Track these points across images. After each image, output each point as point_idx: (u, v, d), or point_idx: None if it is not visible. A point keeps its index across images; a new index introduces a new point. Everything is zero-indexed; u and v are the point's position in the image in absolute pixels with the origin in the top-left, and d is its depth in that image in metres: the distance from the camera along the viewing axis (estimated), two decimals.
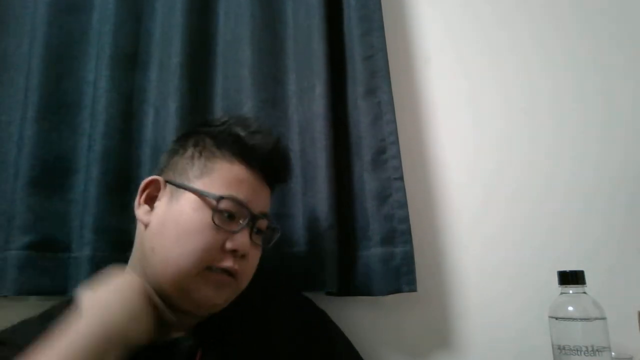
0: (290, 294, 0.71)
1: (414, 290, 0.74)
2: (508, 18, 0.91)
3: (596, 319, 0.60)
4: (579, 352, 0.59)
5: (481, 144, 0.86)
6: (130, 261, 0.63)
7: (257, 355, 0.61)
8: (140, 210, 0.61)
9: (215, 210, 0.57)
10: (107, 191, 0.78)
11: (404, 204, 0.78)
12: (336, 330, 0.72)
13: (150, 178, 0.62)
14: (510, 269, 0.80)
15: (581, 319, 0.60)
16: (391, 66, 0.83)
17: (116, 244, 0.75)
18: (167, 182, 0.61)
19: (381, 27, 0.85)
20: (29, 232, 0.76)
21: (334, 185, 0.79)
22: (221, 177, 0.60)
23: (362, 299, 0.79)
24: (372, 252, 0.78)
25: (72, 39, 0.87)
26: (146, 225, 0.60)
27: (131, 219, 0.64)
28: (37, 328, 0.58)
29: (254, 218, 0.60)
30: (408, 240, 0.76)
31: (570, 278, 0.64)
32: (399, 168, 0.79)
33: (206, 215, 0.57)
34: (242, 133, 0.63)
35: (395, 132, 0.80)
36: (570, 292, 0.64)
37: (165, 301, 0.58)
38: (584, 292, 0.63)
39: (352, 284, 0.78)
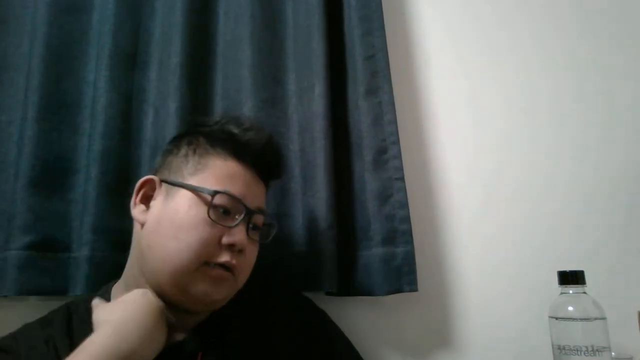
0: (290, 294, 0.71)
1: (415, 290, 0.74)
2: (508, 18, 0.91)
3: (596, 319, 0.60)
4: (579, 352, 0.59)
5: (481, 144, 0.86)
6: (128, 261, 0.63)
7: (257, 355, 0.61)
8: (137, 210, 0.62)
9: (210, 205, 0.57)
10: (107, 191, 0.78)
11: (405, 204, 0.78)
12: (336, 331, 0.72)
13: (145, 178, 0.63)
14: (510, 269, 0.80)
15: (581, 319, 0.60)
16: (391, 66, 0.83)
17: (116, 244, 0.75)
18: (162, 181, 0.62)
19: (382, 27, 0.85)
20: (29, 232, 0.76)
21: (333, 185, 0.79)
22: (215, 173, 0.60)
23: (362, 299, 0.79)
24: (373, 252, 0.78)
25: (72, 39, 0.87)
26: (142, 225, 0.60)
27: (130, 219, 0.64)
28: (38, 334, 0.58)
29: (249, 213, 0.60)
30: (409, 240, 0.76)
31: (570, 278, 0.64)
32: (400, 168, 0.79)
33: (201, 210, 0.57)
34: (235, 130, 0.64)
35: (396, 132, 0.81)
36: (570, 292, 0.64)
37: (164, 300, 0.58)
38: (584, 292, 0.63)
39: (353, 284, 0.78)
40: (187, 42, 0.85)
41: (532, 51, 0.89)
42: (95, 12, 0.90)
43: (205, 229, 0.57)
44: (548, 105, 0.86)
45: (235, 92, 0.85)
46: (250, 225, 0.61)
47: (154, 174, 0.64)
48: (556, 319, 0.62)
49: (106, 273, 0.71)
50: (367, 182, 0.80)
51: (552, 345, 0.63)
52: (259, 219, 0.63)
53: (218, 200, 0.58)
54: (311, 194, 0.79)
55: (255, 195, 0.63)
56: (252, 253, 0.62)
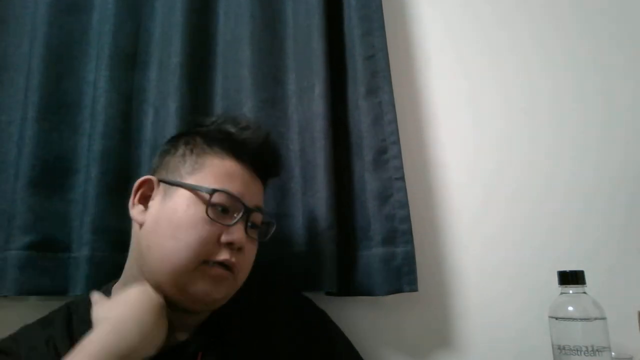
0: (290, 294, 0.71)
1: (415, 290, 0.74)
2: (508, 18, 0.91)
3: (596, 319, 0.60)
4: (579, 352, 0.59)
5: (481, 144, 0.86)
6: (127, 261, 0.63)
7: (257, 355, 0.61)
8: (135, 210, 0.62)
9: (208, 204, 0.57)
10: (107, 191, 0.78)
11: (405, 204, 0.78)
12: (336, 331, 0.72)
13: (143, 178, 0.63)
14: (510, 269, 0.80)
15: (581, 319, 0.60)
16: (391, 66, 0.83)
17: (115, 244, 0.75)
18: (160, 181, 0.62)
19: (382, 27, 0.85)
20: (29, 232, 0.76)
21: (333, 185, 0.79)
22: (213, 172, 0.60)
23: (362, 299, 0.79)
24: (373, 252, 0.78)
25: (72, 39, 0.87)
26: (141, 225, 0.60)
27: (130, 219, 0.64)
28: (38, 335, 0.58)
29: (248, 211, 0.60)
30: (409, 240, 0.76)
31: (570, 278, 0.64)
32: (400, 168, 0.79)
33: (200, 209, 0.57)
34: (232, 129, 0.64)
35: (396, 132, 0.81)
36: (570, 292, 0.64)
37: (164, 300, 0.58)
38: (584, 292, 0.63)
39: (353, 284, 0.78)
40: (187, 42, 0.85)
41: (532, 51, 0.89)
42: (95, 12, 0.90)
43: (204, 228, 0.57)
44: (548, 105, 0.86)
45: (235, 92, 0.85)
46: (249, 224, 0.61)
47: (152, 175, 0.64)
48: (556, 319, 0.62)
49: (106, 273, 0.71)
50: (367, 182, 0.80)
51: (552, 345, 0.63)
52: (257, 218, 0.63)
53: (216, 198, 0.58)
54: (311, 194, 0.79)
55: (254, 193, 0.63)
56: (251, 251, 0.62)
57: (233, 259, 0.57)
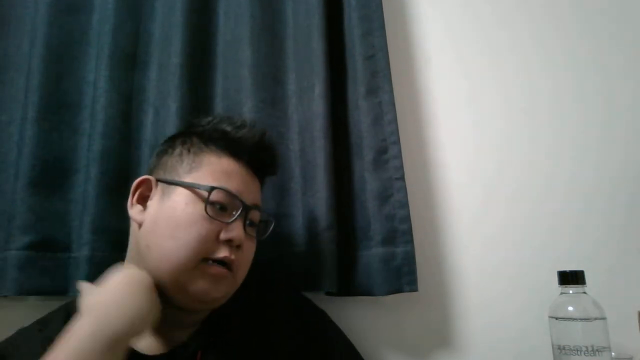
0: (289, 294, 0.71)
1: (415, 290, 0.74)
2: (508, 18, 0.91)
3: (596, 319, 0.60)
4: (579, 352, 0.59)
5: (481, 144, 0.86)
6: (125, 262, 0.63)
7: (256, 354, 0.61)
8: (134, 210, 0.62)
9: (207, 202, 0.57)
10: (107, 191, 0.78)
11: (405, 204, 0.78)
12: (336, 331, 0.72)
13: (141, 178, 0.63)
14: (510, 269, 0.80)
15: (581, 319, 0.60)
16: (392, 66, 0.83)
17: (115, 244, 0.75)
18: (158, 180, 0.62)
19: (382, 27, 0.85)
20: (29, 232, 0.76)
21: (333, 185, 0.79)
22: (210, 170, 0.60)
23: (362, 299, 0.79)
24: (373, 252, 0.78)
25: (72, 39, 0.87)
26: (140, 224, 0.60)
27: (130, 222, 0.64)
28: (35, 338, 0.58)
29: (246, 209, 0.60)
30: (409, 240, 0.76)
31: (570, 278, 0.64)
32: (400, 168, 0.79)
33: (198, 207, 0.57)
34: (228, 128, 0.64)
35: (396, 132, 0.81)
36: (570, 292, 0.64)
37: (164, 300, 0.58)
38: (584, 292, 0.63)
39: (353, 284, 0.78)
40: (187, 42, 0.85)
41: (532, 51, 0.89)
42: (95, 12, 0.90)
43: (203, 226, 0.57)
44: (548, 105, 0.86)
45: (235, 92, 0.85)
46: (247, 222, 0.61)
47: (149, 175, 0.64)
48: (556, 319, 0.62)
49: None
50: (367, 182, 0.80)
51: (552, 345, 0.63)
52: (255, 215, 0.64)
53: (215, 196, 0.58)
54: (311, 194, 0.79)
55: (251, 191, 0.63)
56: (250, 249, 0.63)
57: (232, 257, 0.58)
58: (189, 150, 0.63)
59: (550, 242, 0.80)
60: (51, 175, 0.80)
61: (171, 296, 0.57)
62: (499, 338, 0.78)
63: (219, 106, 0.86)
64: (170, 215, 0.58)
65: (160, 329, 0.60)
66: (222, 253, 0.57)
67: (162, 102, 0.83)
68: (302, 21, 0.86)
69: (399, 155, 0.80)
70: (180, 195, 0.59)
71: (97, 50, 0.86)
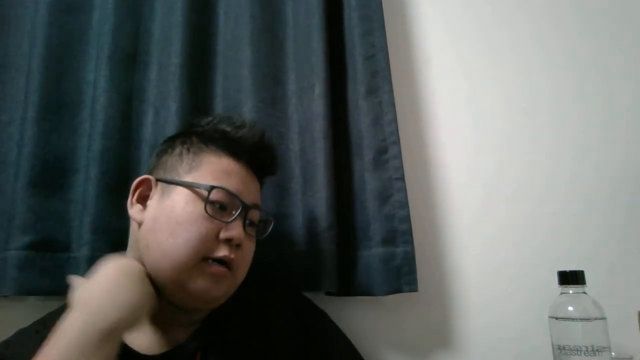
0: (289, 294, 0.71)
1: (415, 290, 0.74)
2: (508, 18, 0.91)
3: (596, 319, 0.60)
4: (579, 352, 0.59)
5: (481, 144, 0.86)
6: None
7: (256, 354, 0.61)
8: (134, 210, 0.62)
9: (207, 201, 0.57)
10: (106, 191, 0.78)
11: (405, 204, 0.78)
12: (336, 331, 0.72)
13: (141, 177, 0.63)
14: (510, 269, 0.80)
15: (581, 319, 0.60)
16: (391, 66, 0.83)
17: (115, 244, 0.75)
18: (157, 180, 0.62)
19: (382, 27, 0.85)
20: (28, 232, 0.76)
21: (333, 185, 0.79)
22: (210, 170, 0.60)
23: (362, 299, 0.79)
24: (372, 252, 0.78)
25: (72, 39, 0.87)
26: (140, 224, 0.60)
27: (130, 222, 0.64)
28: (32, 339, 0.58)
29: (246, 208, 0.60)
30: (409, 240, 0.76)
31: (570, 278, 0.64)
32: (400, 168, 0.79)
33: (198, 206, 0.57)
34: (228, 128, 0.64)
35: (396, 132, 0.80)
36: (570, 292, 0.64)
37: (164, 300, 0.59)
38: (584, 292, 0.63)
39: (353, 284, 0.78)
40: (187, 42, 0.85)
41: (532, 51, 0.89)
42: (95, 12, 0.90)
43: (203, 225, 0.57)
44: (548, 105, 0.86)
45: (235, 92, 0.85)
46: (247, 222, 0.61)
47: (149, 175, 0.64)
48: (556, 319, 0.62)
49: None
50: (367, 182, 0.80)
51: (552, 345, 0.63)
52: (255, 215, 0.64)
53: (214, 195, 0.58)
54: (311, 194, 0.79)
55: (251, 191, 0.63)
56: (249, 249, 0.63)
57: (232, 256, 0.58)
58: (188, 150, 0.63)
59: (550, 242, 0.80)
60: (51, 175, 0.80)
61: (171, 295, 0.58)
62: (499, 338, 0.78)
63: (219, 106, 0.86)
64: (170, 214, 0.58)
65: (160, 329, 0.60)
66: (222, 252, 0.57)
67: (162, 102, 0.83)
68: (302, 21, 0.86)
69: (398, 155, 0.80)
70: (180, 195, 0.59)
71: (97, 50, 0.86)
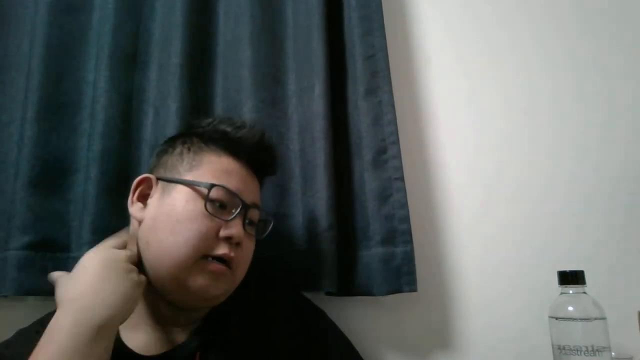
0: (288, 294, 0.71)
1: (415, 290, 0.74)
2: (508, 18, 0.91)
3: (596, 319, 0.60)
4: (579, 352, 0.59)
5: (481, 144, 0.86)
6: None
7: (255, 353, 0.61)
8: (134, 208, 0.62)
9: (207, 199, 0.58)
10: (106, 191, 0.78)
11: (404, 204, 0.78)
12: (335, 330, 0.72)
13: (142, 176, 0.63)
14: (510, 269, 0.80)
15: (581, 319, 0.60)
16: (391, 66, 0.83)
17: None
18: (158, 179, 0.62)
19: (382, 27, 0.85)
20: (28, 232, 0.76)
21: (333, 185, 0.79)
22: (210, 168, 0.61)
23: (362, 299, 0.79)
24: (372, 252, 0.78)
25: (72, 39, 0.88)
26: (140, 222, 0.61)
27: (130, 219, 0.64)
28: (32, 339, 0.58)
29: (245, 207, 0.61)
30: (408, 240, 0.76)
31: (570, 278, 0.64)
32: (399, 168, 0.79)
33: (199, 204, 0.58)
34: (228, 129, 0.65)
35: (395, 132, 0.80)
36: (570, 292, 0.64)
37: (164, 299, 0.59)
38: (584, 292, 0.63)
39: (352, 284, 0.78)
40: (187, 42, 0.85)
41: (532, 51, 0.89)
42: (95, 12, 0.90)
43: (203, 222, 0.57)
44: (548, 105, 0.86)
45: (235, 92, 0.85)
46: (247, 221, 0.62)
47: (149, 173, 0.64)
48: (556, 319, 0.62)
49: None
50: (367, 182, 0.80)
51: (552, 345, 0.63)
52: (254, 214, 0.64)
53: (214, 193, 0.58)
54: (311, 194, 0.79)
55: (251, 191, 0.64)
56: (249, 248, 0.63)
57: (232, 254, 0.58)
58: (189, 150, 0.63)
59: (550, 242, 0.80)
60: (51, 175, 0.80)
61: (170, 293, 0.58)
62: (499, 338, 0.78)
63: (219, 106, 0.86)
64: (170, 212, 0.58)
65: (159, 329, 0.60)
66: (222, 250, 0.57)
67: (162, 102, 0.83)
68: (302, 21, 0.86)
69: (398, 156, 0.79)
70: (180, 193, 0.59)
71: (97, 50, 0.86)
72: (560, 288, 0.65)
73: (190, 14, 0.87)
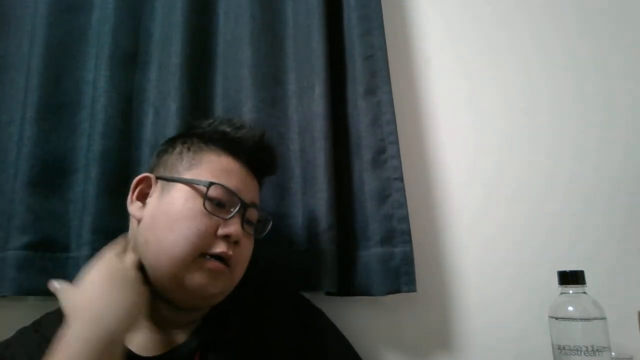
0: (287, 294, 0.71)
1: (413, 290, 0.74)
2: (508, 18, 0.91)
3: (596, 319, 0.60)
4: (579, 352, 0.59)
5: (481, 144, 0.86)
6: None
7: (254, 354, 0.61)
8: (133, 207, 0.62)
9: (205, 197, 0.58)
10: (106, 191, 0.78)
11: (403, 204, 0.78)
12: (334, 330, 0.72)
13: (141, 175, 0.64)
14: (510, 269, 0.80)
15: (581, 319, 0.60)
16: (391, 66, 0.83)
17: None
18: (157, 178, 0.62)
19: (381, 27, 0.85)
20: (27, 232, 0.76)
21: (333, 185, 0.79)
22: (210, 167, 0.61)
23: (362, 299, 0.79)
24: (371, 252, 0.78)
25: (71, 39, 0.88)
26: (139, 221, 0.61)
27: (130, 219, 0.64)
28: (31, 340, 0.58)
29: (244, 206, 0.61)
30: (407, 240, 0.76)
31: (570, 278, 0.64)
32: (398, 168, 0.79)
33: (197, 203, 0.58)
34: (228, 129, 0.65)
35: (395, 132, 0.80)
36: (570, 292, 0.64)
37: (163, 299, 0.58)
38: (584, 292, 0.63)
39: (352, 284, 0.78)
40: (187, 42, 0.85)
41: (532, 51, 0.89)
42: (95, 12, 0.90)
43: (201, 220, 0.57)
44: (548, 105, 0.86)
45: (235, 92, 0.85)
46: (245, 220, 0.62)
47: (149, 173, 0.64)
48: (556, 319, 0.62)
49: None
50: (366, 181, 0.80)
51: (552, 345, 0.63)
52: (253, 214, 0.64)
53: (213, 192, 0.59)
54: (311, 194, 0.79)
55: (250, 190, 0.64)
56: (247, 247, 0.63)
57: (230, 252, 0.58)
58: (189, 149, 0.63)
59: (550, 242, 0.80)
60: (50, 175, 0.80)
61: (169, 292, 0.58)
62: (499, 338, 0.78)
63: (219, 106, 0.86)
64: (169, 211, 0.58)
65: (159, 330, 0.60)
66: (220, 248, 0.58)
67: (162, 102, 0.83)
68: (302, 21, 0.86)
69: (397, 155, 0.79)
70: (179, 192, 0.59)
71: (96, 50, 0.86)
72: (560, 288, 0.65)
73: (190, 14, 0.87)
